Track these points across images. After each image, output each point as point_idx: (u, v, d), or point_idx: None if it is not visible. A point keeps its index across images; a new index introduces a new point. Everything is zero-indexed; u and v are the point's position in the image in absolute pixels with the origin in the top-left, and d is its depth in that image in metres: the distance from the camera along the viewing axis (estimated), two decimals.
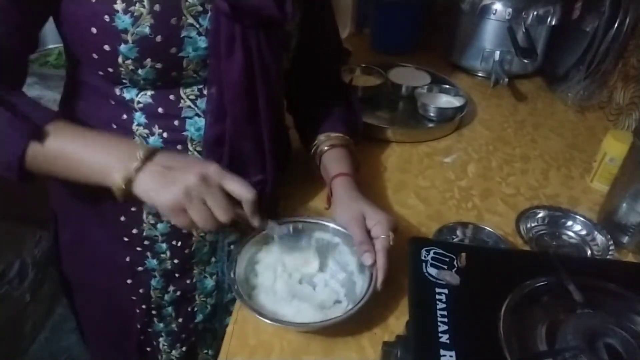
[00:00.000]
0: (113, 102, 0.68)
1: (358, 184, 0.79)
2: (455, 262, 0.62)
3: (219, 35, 0.63)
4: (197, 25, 0.63)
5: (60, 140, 0.62)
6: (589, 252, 0.82)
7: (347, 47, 1.34)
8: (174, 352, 0.89)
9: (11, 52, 0.63)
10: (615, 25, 1.14)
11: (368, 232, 0.71)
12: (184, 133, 0.69)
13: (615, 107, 1.18)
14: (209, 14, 0.63)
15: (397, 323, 0.68)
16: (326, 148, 0.83)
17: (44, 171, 0.64)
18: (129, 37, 0.60)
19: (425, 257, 0.63)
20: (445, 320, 0.55)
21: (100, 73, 0.65)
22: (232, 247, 0.80)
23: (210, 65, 0.66)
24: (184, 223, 0.61)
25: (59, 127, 0.62)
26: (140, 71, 0.63)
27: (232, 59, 0.65)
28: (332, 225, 0.75)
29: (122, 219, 0.75)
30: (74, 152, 0.62)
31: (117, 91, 0.67)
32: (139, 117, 0.68)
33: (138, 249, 0.77)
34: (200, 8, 0.62)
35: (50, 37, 1.53)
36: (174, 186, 0.59)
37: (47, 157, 0.62)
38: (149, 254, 0.77)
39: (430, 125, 1.11)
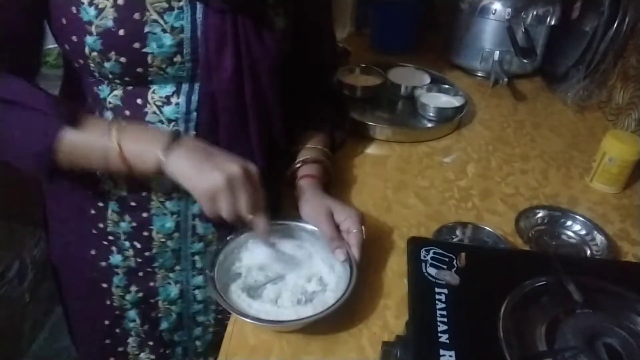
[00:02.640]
0: (90, 99, 0.70)
1: (325, 189, 0.79)
2: (454, 262, 0.62)
3: (209, 31, 0.64)
4: (162, 22, 0.63)
5: (89, 128, 0.63)
6: (588, 252, 0.82)
7: (346, 47, 1.34)
8: (142, 355, 0.89)
9: (23, 38, 0.65)
10: (615, 25, 1.14)
11: (337, 227, 0.71)
12: None
13: (615, 106, 1.18)
14: (175, 11, 0.63)
15: (397, 323, 0.68)
16: (298, 166, 0.81)
17: (73, 161, 0.64)
18: (94, 29, 0.61)
19: (424, 257, 0.63)
20: (445, 320, 0.55)
21: (76, 65, 0.66)
22: (196, 257, 0.80)
23: (201, 65, 0.66)
24: (212, 209, 0.62)
25: (85, 120, 0.63)
26: (106, 64, 0.63)
27: (222, 55, 0.65)
28: (295, 223, 0.75)
29: (92, 212, 0.76)
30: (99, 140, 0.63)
31: (95, 89, 0.68)
32: (109, 116, 0.69)
33: (104, 242, 0.78)
34: (165, 5, 0.62)
35: (50, 37, 1.54)
36: (216, 172, 0.61)
37: (75, 146, 0.63)
38: (114, 248, 0.78)
39: (430, 125, 1.11)
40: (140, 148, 0.62)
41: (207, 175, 0.61)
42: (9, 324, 1.55)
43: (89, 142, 0.63)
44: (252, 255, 0.72)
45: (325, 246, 0.72)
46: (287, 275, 0.71)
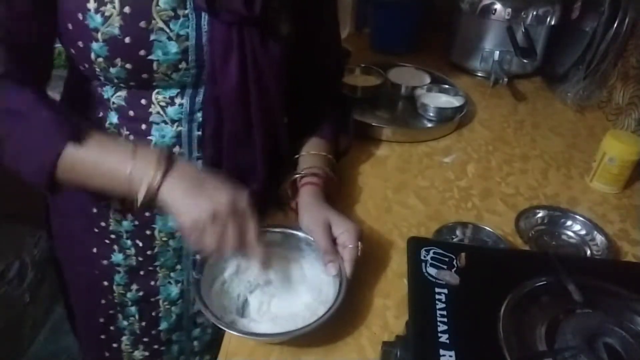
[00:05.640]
0: (94, 99, 0.70)
1: (326, 197, 0.78)
2: (454, 262, 0.62)
3: (214, 39, 0.64)
4: (168, 30, 0.63)
5: (91, 148, 0.62)
6: (588, 252, 0.82)
7: (346, 47, 1.34)
8: (136, 352, 0.89)
9: (31, 44, 0.64)
10: (615, 25, 1.14)
11: (333, 240, 0.70)
12: (149, 137, 0.70)
13: (615, 106, 1.18)
14: (181, 19, 0.63)
15: (396, 323, 0.68)
16: (299, 176, 0.80)
17: (73, 179, 0.64)
18: (99, 36, 0.61)
19: (424, 257, 0.63)
20: (445, 320, 0.55)
21: (81, 68, 0.66)
22: (197, 256, 0.79)
23: (206, 73, 0.66)
24: (196, 242, 0.61)
25: (90, 135, 0.63)
26: (112, 70, 0.64)
27: (228, 64, 0.65)
28: (291, 231, 0.74)
29: (94, 210, 0.76)
30: (100, 160, 0.62)
31: (99, 89, 0.68)
32: (113, 117, 0.70)
33: (106, 241, 0.78)
34: (171, 13, 0.62)
35: None
36: (204, 204, 0.59)
37: (75, 164, 0.62)
38: (116, 247, 0.79)
39: (430, 125, 1.11)
40: (142, 171, 0.60)
41: (193, 208, 0.59)
42: (9, 324, 1.55)
43: (93, 161, 0.62)
44: (242, 263, 0.71)
45: (320, 258, 0.71)
46: (277, 285, 0.70)
